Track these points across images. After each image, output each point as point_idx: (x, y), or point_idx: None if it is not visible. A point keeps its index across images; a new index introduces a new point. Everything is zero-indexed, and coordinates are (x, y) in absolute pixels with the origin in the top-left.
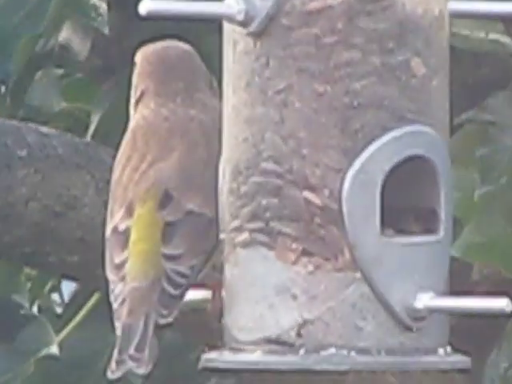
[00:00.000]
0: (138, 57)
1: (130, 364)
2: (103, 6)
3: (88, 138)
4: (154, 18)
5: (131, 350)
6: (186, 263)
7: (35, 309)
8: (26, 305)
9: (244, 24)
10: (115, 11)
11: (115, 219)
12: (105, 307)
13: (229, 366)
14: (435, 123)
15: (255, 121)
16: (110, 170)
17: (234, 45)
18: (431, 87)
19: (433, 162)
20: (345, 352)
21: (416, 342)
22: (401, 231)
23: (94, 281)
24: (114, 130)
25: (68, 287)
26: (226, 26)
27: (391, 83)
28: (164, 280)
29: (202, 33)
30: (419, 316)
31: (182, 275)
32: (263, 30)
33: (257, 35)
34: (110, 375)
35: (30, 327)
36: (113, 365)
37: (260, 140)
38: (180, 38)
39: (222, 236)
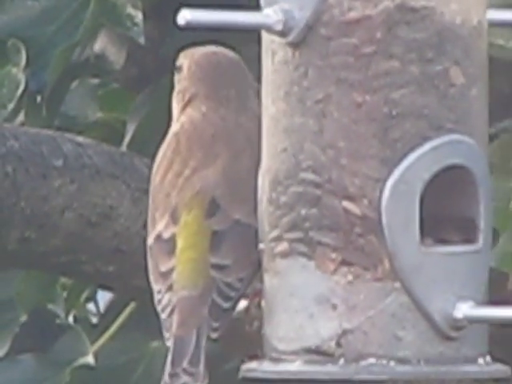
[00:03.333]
0: (185, 60)
1: (185, 378)
2: (139, 16)
3: (124, 147)
4: (192, 28)
5: (185, 364)
6: (234, 275)
7: (71, 319)
8: (62, 314)
9: (282, 34)
10: (151, 20)
11: (159, 227)
12: (140, 317)
13: (268, 376)
14: (474, 132)
15: (294, 131)
16: (146, 179)
17: (273, 54)
18: (470, 96)
19: (472, 171)
20: (384, 362)
21: (455, 352)
22: (440, 241)
23: (129, 291)
24: (149, 140)
25: (103, 297)
26: (265, 35)
27: (430, 92)
28: (214, 292)
29: (239, 42)
30: (459, 325)
31: (232, 288)
32: (302, 40)
33: (295, 45)
34: None
35: (65, 337)
36: (166, 378)
37: (299, 150)
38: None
39: (261, 246)
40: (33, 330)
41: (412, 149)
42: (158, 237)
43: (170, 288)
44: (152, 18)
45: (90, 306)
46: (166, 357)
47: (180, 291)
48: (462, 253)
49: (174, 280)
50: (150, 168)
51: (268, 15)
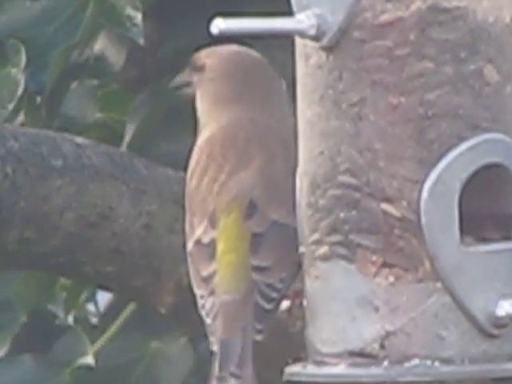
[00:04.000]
0: (207, 60)
1: (233, 382)
2: (138, 17)
3: (123, 148)
4: (226, 36)
5: (232, 367)
6: (275, 275)
7: (70, 319)
8: (62, 315)
9: (316, 38)
10: (150, 21)
11: (197, 232)
12: (140, 317)
13: (313, 380)
14: (510, 130)
15: (330, 134)
16: (145, 180)
17: (307, 59)
18: (505, 94)
19: (509, 169)
20: (428, 362)
21: (499, 349)
22: (480, 239)
23: (128, 291)
24: (149, 141)
25: (103, 297)
26: (298, 40)
27: (465, 92)
28: (256, 293)
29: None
30: (501, 323)
31: (274, 288)
32: (335, 44)
33: (329, 49)
34: None
35: (65, 337)
36: (214, 382)
37: (336, 153)
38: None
39: (301, 249)
40: (32, 330)
41: (448, 149)
42: (198, 242)
43: (212, 292)
44: (152, 18)
45: (90, 307)
46: (169, 355)
47: (223, 295)
48: (503, 250)
49: (216, 284)
50: (149, 168)
51: (301, 20)
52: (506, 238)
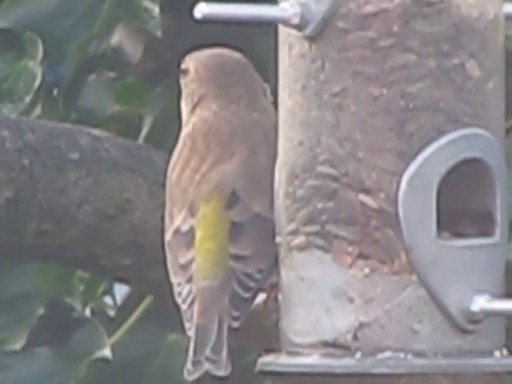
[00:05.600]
0: (191, 63)
1: (208, 366)
2: (156, 9)
3: (140, 140)
4: (208, 21)
5: (207, 352)
6: (254, 266)
7: (88, 312)
8: (79, 308)
9: (299, 27)
10: (168, 14)
11: (176, 222)
12: (157, 310)
13: (285, 370)
14: (491, 126)
15: (311, 124)
16: (163, 173)
17: (290, 48)
18: (487, 90)
19: (488, 164)
20: (401, 355)
21: (472, 345)
22: (457, 234)
23: (146, 284)
24: (166, 133)
25: (120, 290)
26: (282, 29)
27: (447, 86)
28: (234, 282)
29: (255, 36)
30: (475, 319)
31: (252, 278)
32: (319, 34)
33: (312, 38)
34: (186, 376)
35: (82, 330)
36: (189, 365)
37: (316, 143)
38: (232, 42)
39: (278, 239)
40: (50, 323)
41: (428, 142)
42: (176, 231)
43: (189, 279)
44: (169, 11)
45: (107, 299)
46: (186, 347)
47: (200, 282)
48: (479, 246)
49: (194, 271)
50: (167, 161)
51: (285, 9)
52: (482, 234)
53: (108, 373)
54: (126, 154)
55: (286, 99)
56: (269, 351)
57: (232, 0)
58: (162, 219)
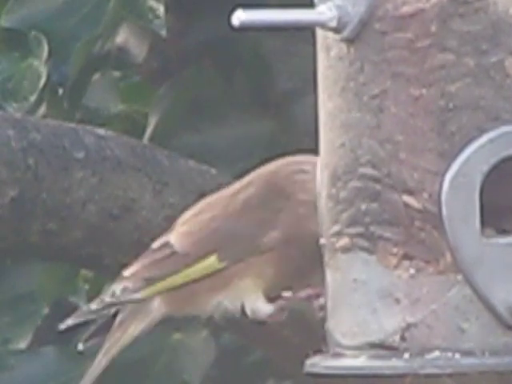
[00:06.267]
0: None
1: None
2: (160, 9)
3: (145, 140)
4: (246, 28)
5: None
6: None
7: None
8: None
9: (337, 30)
10: (173, 13)
11: None
12: None
13: (333, 372)
14: None
15: (351, 126)
16: (167, 172)
17: (328, 50)
18: None
19: None
20: (449, 354)
21: None
22: (501, 231)
23: None
24: (171, 133)
25: None
26: (319, 31)
27: (486, 84)
28: None
29: (259, 36)
30: None
31: None
32: (356, 36)
33: (350, 41)
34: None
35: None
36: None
37: (357, 145)
38: (236, 42)
39: (322, 241)
40: (54, 322)
41: (469, 141)
42: None
43: None
44: (174, 10)
45: None
46: (186, 350)
47: None
48: None
49: None
50: (171, 161)
51: (322, 12)
52: None
53: (113, 372)
54: (130, 154)
55: (326, 101)
56: (316, 352)
57: (268, 6)
58: (166, 218)
